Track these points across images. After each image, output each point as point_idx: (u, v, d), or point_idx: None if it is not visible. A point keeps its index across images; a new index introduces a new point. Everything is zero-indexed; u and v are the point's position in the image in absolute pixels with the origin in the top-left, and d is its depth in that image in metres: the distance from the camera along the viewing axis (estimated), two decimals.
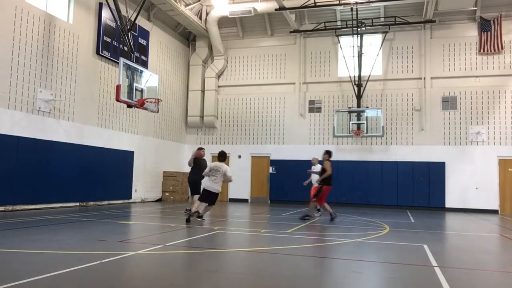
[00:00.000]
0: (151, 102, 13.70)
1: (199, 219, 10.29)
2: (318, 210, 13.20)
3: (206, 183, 10.38)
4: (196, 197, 11.15)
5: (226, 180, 10.46)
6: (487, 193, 18.03)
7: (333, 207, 17.56)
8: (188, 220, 10.13)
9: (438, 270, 5.44)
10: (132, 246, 6.92)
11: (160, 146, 19.89)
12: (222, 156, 10.61)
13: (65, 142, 14.18)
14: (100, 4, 15.77)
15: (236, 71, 21.89)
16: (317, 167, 13.26)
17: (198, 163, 12.01)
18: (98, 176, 15.51)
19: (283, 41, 21.37)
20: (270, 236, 8.75)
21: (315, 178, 13.08)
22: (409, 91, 19.51)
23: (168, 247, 6.88)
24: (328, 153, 12.09)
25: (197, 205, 10.47)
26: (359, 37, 19.27)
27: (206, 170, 10.47)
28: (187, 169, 21.41)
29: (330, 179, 11.74)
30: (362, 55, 19.34)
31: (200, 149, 12.31)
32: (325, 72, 20.66)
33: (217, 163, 10.45)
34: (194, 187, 11.81)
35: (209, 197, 10.32)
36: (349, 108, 19.29)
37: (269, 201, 20.32)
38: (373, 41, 19.99)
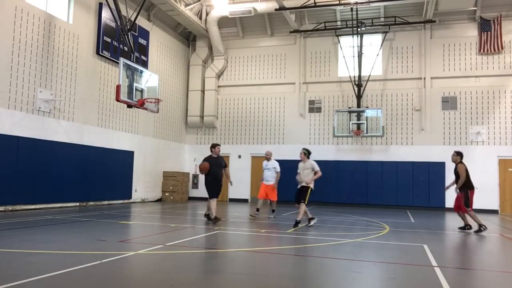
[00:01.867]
0: (151, 102, 13.69)
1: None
2: (273, 211, 12.41)
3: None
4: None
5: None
6: (487, 193, 17.99)
7: (333, 207, 17.67)
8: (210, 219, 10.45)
9: (438, 270, 5.44)
10: (132, 246, 6.92)
11: (160, 146, 19.89)
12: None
13: (65, 142, 14.17)
14: (100, 4, 15.77)
15: (236, 71, 21.89)
16: (271, 163, 12.24)
17: (214, 163, 10.64)
18: (98, 176, 15.50)
19: (283, 41, 21.37)
20: (270, 236, 8.75)
21: (268, 175, 12.14)
22: (409, 91, 19.51)
23: (168, 247, 6.88)
24: (459, 154, 10.63)
25: (214, 209, 10.53)
26: (359, 37, 19.27)
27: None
28: (187, 169, 21.71)
29: (470, 182, 10.41)
30: (362, 55, 19.34)
31: (215, 145, 10.76)
32: (325, 72, 20.65)
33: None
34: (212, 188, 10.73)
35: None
36: (349, 108, 19.28)
37: (269, 201, 20.25)
38: (373, 41, 19.99)
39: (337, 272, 5.55)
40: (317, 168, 10.42)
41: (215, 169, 10.55)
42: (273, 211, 12.46)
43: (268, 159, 12.46)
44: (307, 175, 10.45)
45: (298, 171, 10.80)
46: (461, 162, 10.57)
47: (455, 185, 10.72)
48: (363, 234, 9.10)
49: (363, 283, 5.00)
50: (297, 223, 10.15)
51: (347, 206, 18.49)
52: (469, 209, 10.27)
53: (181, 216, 12.52)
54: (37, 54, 13.30)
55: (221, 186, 10.78)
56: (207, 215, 10.80)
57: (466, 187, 10.38)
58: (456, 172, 10.52)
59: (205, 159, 10.61)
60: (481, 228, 10.02)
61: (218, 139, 21.75)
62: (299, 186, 10.62)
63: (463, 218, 10.62)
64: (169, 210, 14.76)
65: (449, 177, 18.44)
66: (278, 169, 12.38)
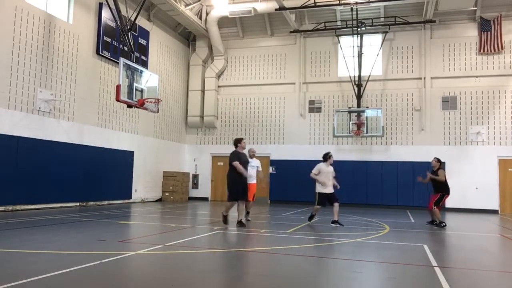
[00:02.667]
0: (151, 102, 13.69)
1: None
2: (248, 213, 11.27)
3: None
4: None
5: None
6: (487, 193, 18.02)
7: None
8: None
9: (438, 270, 5.44)
10: (132, 246, 6.92)
11: (160, 146, 19.88)
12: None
13: (65, 142, 14.18)
14: (100, 4, 15.77)
15: (236, 71, 21.89)
16: (254, 162, 11.36)
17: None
18: (98, 176, 15.50)
19: (283, 41, 21.37)
20: (270, 236, 8.74)
21: (251, 173, 11.02)
22: (409, 91, 19.51)
23: (168, 247, 6.88)
24: (439, 161, 11.62)
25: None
26: (359, 37, 19.27)
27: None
28: (187, 169, 21.72)
29: (448, 187, 11.30)
30: (362, 55, 19.33)
31: (241, 139, 9.99)
32: (325, 72, 20.65)
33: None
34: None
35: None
36: (349, 108, 19.28)
37: (269, 201, 20.31)
38: (373, 41, 19.99)
39: (337, 272, 5.55)
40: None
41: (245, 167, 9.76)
42: (248, 213, 11.25)
43: (251, 157, 11.37)
44: (330, 178, 10.75)
45: (316, 172, 10.75)
46: (440, 167, 11.56)
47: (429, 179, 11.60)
48: (363, 234, 9.10)
49: (363, 283, 5.00)
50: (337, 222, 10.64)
51: (347, 206, 18.47)
52: (435, 207, 11.15)
53: (181, 216, 12.52)
54: (37, 54, 13.30)
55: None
56: (240, 221, 9.76)
57: (444, 190, 11.26)
58: (437, 175, 11.34)
59: (236, 155, 9.66)
60: (441, 224, 11.09)
61: (218, 139, 21.75)
62: (329, 192, 10.65)
63: (435, 214, 11.28)
64: (169, 210, 14.75)
65: (449, 177, 18.37)
66: (261, 167, 11.64)
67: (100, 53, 15.76)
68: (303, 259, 6.22)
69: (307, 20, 20.85)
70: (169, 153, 20.64)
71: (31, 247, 6.39)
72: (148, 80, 13.95)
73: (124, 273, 5.20)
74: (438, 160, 11.68)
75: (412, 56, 19.62)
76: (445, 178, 11.30)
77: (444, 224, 11.13)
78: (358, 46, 19.30)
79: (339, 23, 20.21)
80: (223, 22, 21.16)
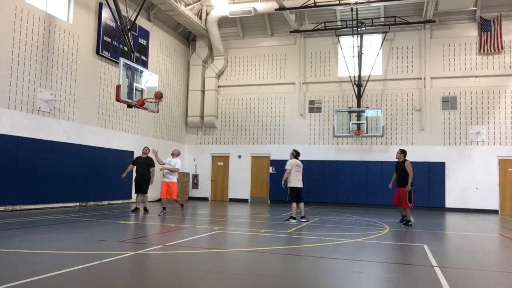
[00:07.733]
0: (151, 102, 13.68)
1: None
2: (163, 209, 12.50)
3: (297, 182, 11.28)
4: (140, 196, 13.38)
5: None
6: (487, 193, 18.02)
7: (333, 207, 17.68)
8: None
9: (438, 270, 5.44)
10: (132, 246, 6.92)
11: (160, 146, 19.83)
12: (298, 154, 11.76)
13: (65, 142, 14.17)
14: (100, 4, 15.77)
15: (236, 71, 21.89)
16: (174, 161, 12.55)
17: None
18: (98, 176, 15.50)
19: (283, 41, 21.37)
20: (270, 236, 8.74)
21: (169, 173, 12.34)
22: (409, 91, 19.51)
23: (168, 247, 6.88)
24: (403, 152, 11.09)
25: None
26: (359, 37, 19.27)
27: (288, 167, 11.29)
28: (187, 169, 21.72)
29: (413, 179, 10.88)
30: (362, 55, 19.33)
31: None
32: (325, 72, 20.65)
33: (298, 161, 11.53)
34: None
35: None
36: (349, 108, 19.28)
37: (269, 201, 20.31)
38: (373, 41, 19.99)
39: (337, 272, 5.55)
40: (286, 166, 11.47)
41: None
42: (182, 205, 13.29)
43: (174, 156, 13.13)
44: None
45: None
46: (405, 159, 11.05)
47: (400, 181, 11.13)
48: (363, 234, 9.11)
49: (363, 283, 5.00)
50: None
51: (347, 206, 18.49)
52: (411, 205, 10.87)
53: (181, 216, 12.51)
54: (37, 54, 13.30)
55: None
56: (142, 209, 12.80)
57: (411, 182, 10.92)
58: (402, 169, 10.89)
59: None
60: (409, 222, 10.88)
61: (218, 139, 21.76)
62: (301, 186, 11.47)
63: (407, 213, 11.06)
64: (169, 210, 14.74)
65: (449, 177, 18.51)
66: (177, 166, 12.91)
67: (100, 53, 15.76)
68: (303, 259, 6.23)
69: (307, 20, 20.85)
70: (169, 153, 20.56)
71: (31, 247, 6.39)
72: (148, 80, 13.94)
73: (124, 273, 5.20)
74: (402, 151, 11.16)
75: (412, 56, 19.62)
76: (410, 172, 10.75)
77: (412, 223, 11.01)
78: (358, 46, 19.30)
79: (339, 23, 20.21)
80: (223, 22, 21.16)
